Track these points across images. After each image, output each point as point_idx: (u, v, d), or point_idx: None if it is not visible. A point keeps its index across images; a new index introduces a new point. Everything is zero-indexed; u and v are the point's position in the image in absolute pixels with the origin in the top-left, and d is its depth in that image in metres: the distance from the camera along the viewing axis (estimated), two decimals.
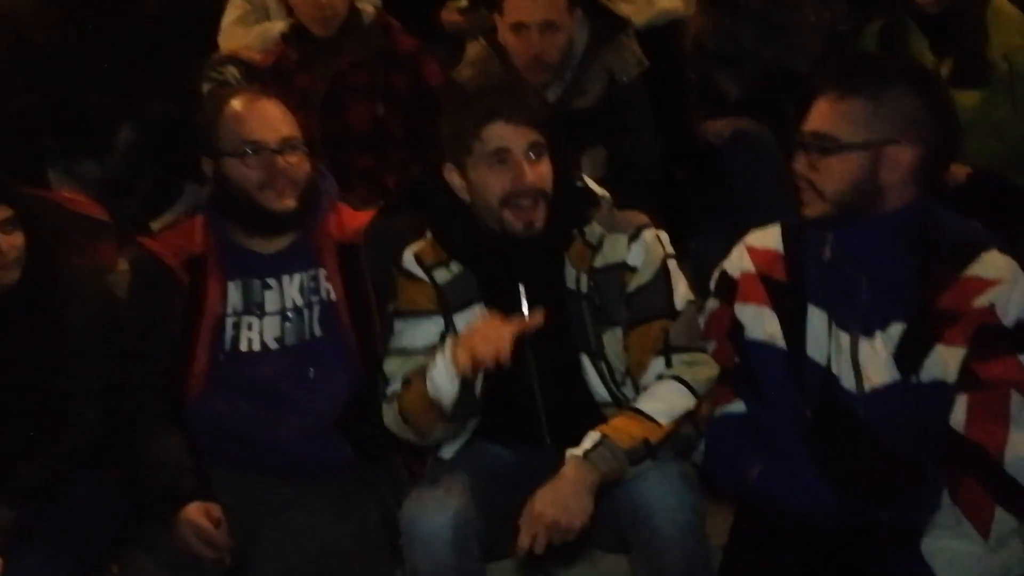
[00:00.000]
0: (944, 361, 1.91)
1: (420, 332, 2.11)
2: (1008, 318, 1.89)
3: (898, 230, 1.96)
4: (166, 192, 3.62)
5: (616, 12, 3.04)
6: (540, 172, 2.02)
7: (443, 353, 1.96)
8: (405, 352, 2.10)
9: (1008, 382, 1.87)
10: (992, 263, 1.92)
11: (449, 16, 3.35)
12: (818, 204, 1.97)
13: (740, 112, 2.98)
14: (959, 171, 2.74)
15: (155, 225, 3.47)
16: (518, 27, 2.80)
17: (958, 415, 1.89)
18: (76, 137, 3.67)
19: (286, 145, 2.20)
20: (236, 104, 2.23)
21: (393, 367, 2.11)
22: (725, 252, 2.17)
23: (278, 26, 3.32)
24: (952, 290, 1.92)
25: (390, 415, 2.08)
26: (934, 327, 1.92)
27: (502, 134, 2.01)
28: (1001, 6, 2.80)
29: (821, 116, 1.96)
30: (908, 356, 1.93)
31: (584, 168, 2.76)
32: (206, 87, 3.40)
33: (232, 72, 3.39)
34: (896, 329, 1.94)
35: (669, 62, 3.02)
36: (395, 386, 2.08)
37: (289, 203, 2.19)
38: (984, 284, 1.91)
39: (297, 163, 2.21)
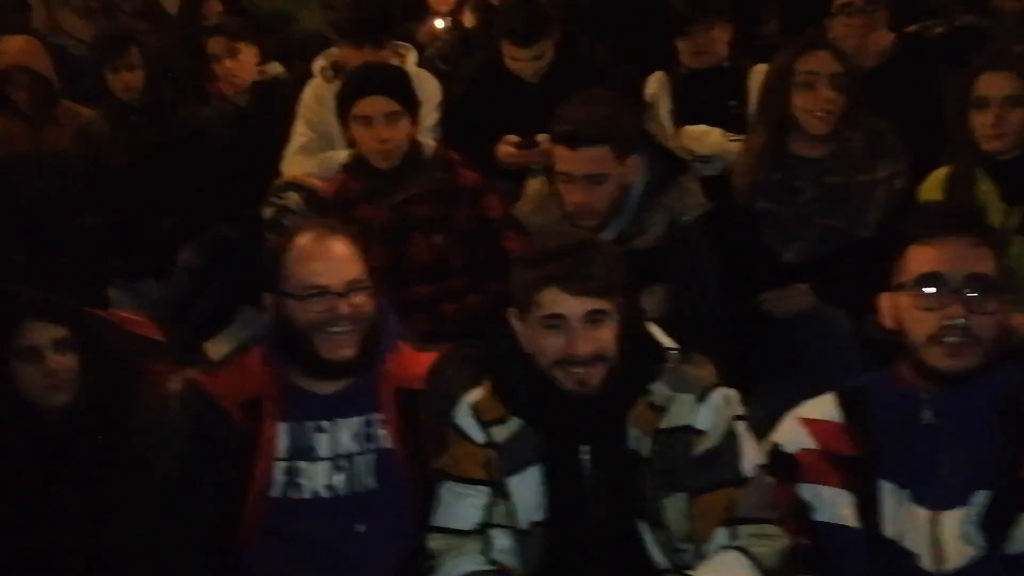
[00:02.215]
0: None
1: (466, 509, 2.04)
2: None
3: (994, 392, 1.88)
4: (222, 314, 3.65)
5: (676, 154, 3.04)
6: (597, 339, 1.96)
7: None
8: (450, 532, 2.03)
9: None
10: None
11: (504, 152, 3.38)
12: (973, 354, 1.87)
13: (797, 277, 2.90)
14: None
15: (211, 348, 3.49)
16: (565, 176, 2.80)
17: None
18: (138, 257, 3.73)
19: (351, 288, 2.13)
20: (303, 242, 2.16)
21: (438, 545, 2.04)
22: (793, 398, 2.09)
23: (341, 155, 3.38)
24: None
25: None
26: (1021, 495, 1.82)
27: (558, 301, 1.96)
28: None
29: (973, 256, 1.87)
30: (996, 526, 1.83)
31: (645, 308, 2.72)
32: (268, 212, 3.44)
33: (294, 198, 3.45)
34: (981, 498, 1.85)
35: (731, 206, 2.99)
36: None
37: (347, 352, 2.13)
38: None
39: (362, 304, 2.15)
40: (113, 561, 2.17)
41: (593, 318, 1.96)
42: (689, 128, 3.43)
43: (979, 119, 2.74)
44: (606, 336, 1.98)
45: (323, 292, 2.12)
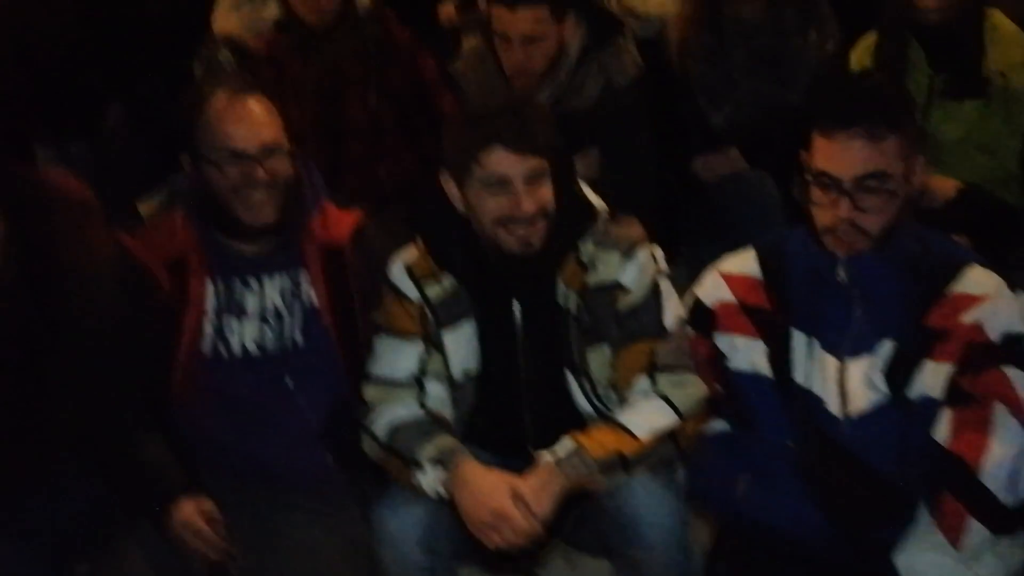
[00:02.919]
0: (934, 377, 1.92)
1: (400, 360, 2.09)
2: (994, 333, 1.91)
3: (898, 251, 1.96)
4: (154, 174, 3.60)
5: (613, 14, 3.02)
6: (539, 198, 1.99)
7: (436, 478, 1.95)
8: (386, 382, 2.09)
9: (993, 395, 1.88)
10: (977, 279, 1.94)
11: (445, 12, 3.34)
12: (862, 242, 1.95)
13: (726, 141, 2.94)
14: (948, 186, 2.75)
15: (143, 208, 3.45)
16: (502, 37, 2.79)
17: (942, 429, 1.91)
18: (65, 116, 3.64)
19: (267, 152, 2.10)
20: (217, 104, 2.11)
21: (372, 395, 2.10)
22: (719, 259, 2.17)
23: (272, 11, 3.30)
24: (940, 307, 1.94)
25: (370, 450, 2.08)
26: (924, 344, 1.93)
27: (501, 161, 1.96)
28: (999, 22, 2.79)
29: (864, 158, 1.91)
30: (898, 373, 1.94)
31: (577, 170, 2.75)
32: (198, 69, 3.37)
33: (225, 55, 3.37)
34: (886, 347, 1.96)
35: (664, 70, 3.00)
36: (377, 428, 2.06)
37: (266, 216, 2.12)
38: (971, 301, 1.93)
39: (279, 169, 2.11)
40: (46, 419, 2.20)
41: (534, 177, 1.98)
42: None
43: None
44: (547, 193, 2.00)
45: (239, 156, 2.09)
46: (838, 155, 1.91)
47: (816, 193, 1.94)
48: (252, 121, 2.10)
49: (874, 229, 1.94)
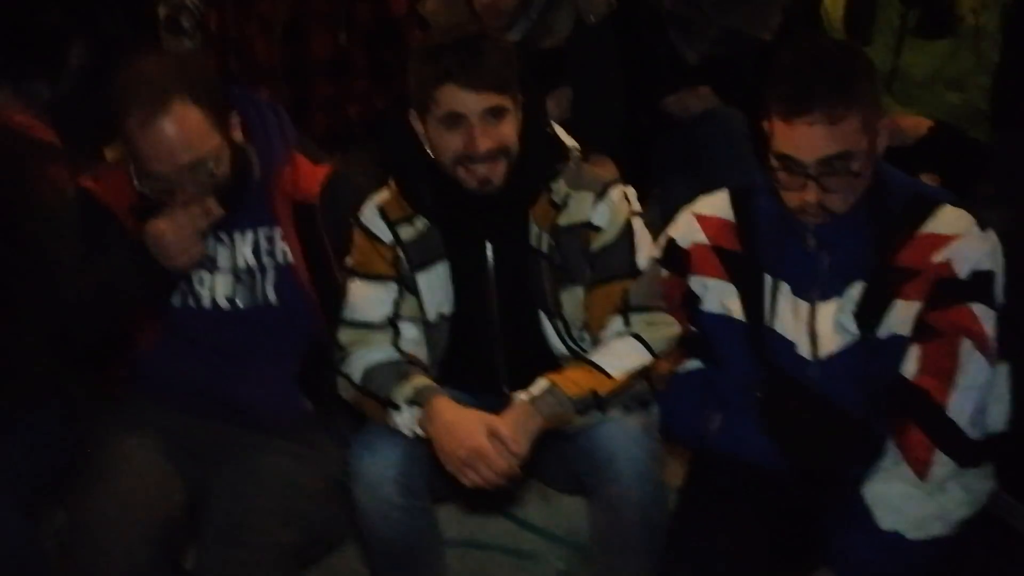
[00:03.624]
0: (902, 316, 1.94)
1: (374, 303, 2.09)
2: (963, 270, 1.93)
3: (867, 203, 1.96)
4: None
5: None
6: (497, 135, 1.96)
7: (412, 417, 1.96)
8: (360, 325, 2.09)
9: (959, 330, 1.90)
10: (946, 219, 1.95)
11: None
12: (826, 219, 1.95)
13: (699, 78, 2.92)
14: (920, 124, 2.76)
15: (109, 152, 3.40)
16: None
17: (909, 364, 1.93)
18: (25, 55, 3.56)
19: (189, 169, 2.00)
20: (133, 125, 1.97)
21: (347, 338, 2.09)
22: (690, 199, 2.17)
23: None
24: (909, 247, 1.95)
25: (346, 392, 2.08)
26: (893, 283, 1.95)
27: (456, 98, 1.94)
28: None
29: (824, 140, 1.88)
30: (868, 313, 1.96)
31: (549, 109, 2.73)
32: (163, 10, 3.30)
33: None
34: (856, 289, 1.97)
35: (635, 7, 2.96)
36: (353, 371, 2.06)
37: (211, 207, 2.05)
38: (940, 240, 1.94)
39: (206, 179, 2.02)
40: (14, 354, 2.17)
41: (492, 114, 1.96)
42: None
43: None
44: (506, 131, 1.98)
45: (161, 179, 2.02)
46: (799, 140, 1.88)
47: (781, 176, 1.93)
48: (167, 145, 1.97)
49: (841, 208, 1.93)
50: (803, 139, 1.88)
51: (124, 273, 2.06)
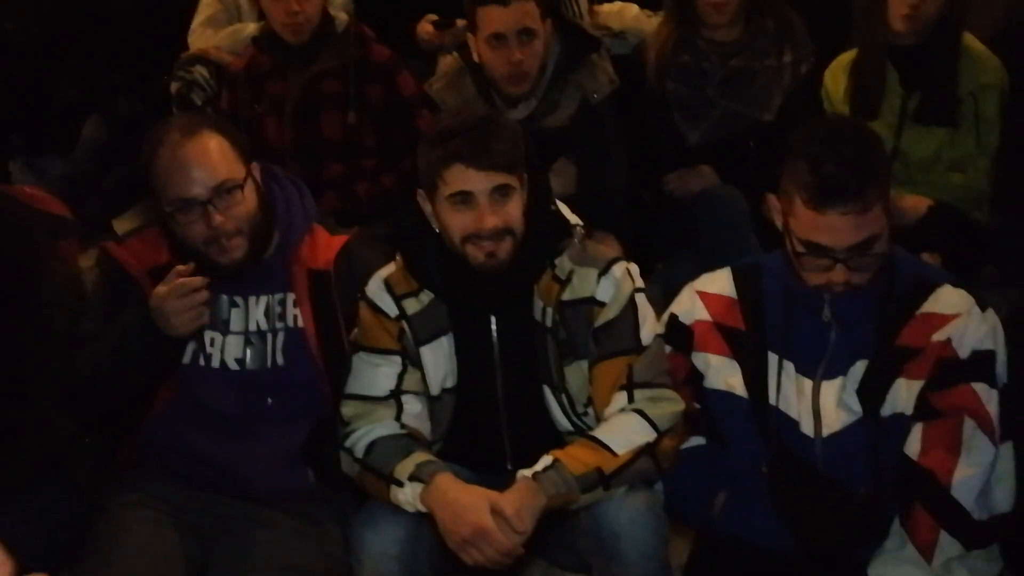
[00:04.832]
0: (905, 394, 1.95)
1: (378, 377, 2.09)
2: (963, 350, 1.94)
3: (875, 280, 1.98)
4: (130, 191, 3.59)
5: (588, 32, 3.05)
6: (504, 214, 2.00)
7: (415, 494, 1.95)
8: (363, 399, 2.09)
9: (962, 410, 1.91)
10: (947, 299, 1.97)
11: (423, 30, 3.36)
12: (856, 294, 1.96)
13: (701, 159, 2.96)
14: (920, 203, 2.78)
15: (117, 225, 3.44)
16: (495, 38, 2.80)
17: (913, 444, 1.93)
18: (40, 132, 3.62)
19: (219, 192, 2.06)
20: (163, 155, 2.06)
21: (351, 412, 2.09)
22: (692, 276, 2.19)
23: (249, 28, 3.31)
24: (911, 327, 1.96)
25: (349, 468, 2.07)
26: (896, 363, 1.96)
27: (463, 177, 1.98)
28: (970, 43, 2.82)
29: (855, 229, 1.89)
30: (871, 391, 1.96)
31: (553, 185, 2.76)
32: (174, 86, 3.37)
33: (201, 72, 3.37)
34: (860, 367, 1.98)
35: (640, 87, 3.02)
36: (355, 446, 2.05)
37: (237, 255, 2.10)
38: (941, 320, 1.95)
39: (237, 208, 2.07)
40: (22, 426, 2.17)
41: (499, 193, 2.00)
42: (606, 5, 3.43)
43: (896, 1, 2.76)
44: (513, 210, 2.02)
45: (190, 203, 2.06)
46: (829, 229, 1.90)
47: (807, 260, 1.95)
48: (198, 164, 2.05)
49: (864, 283, 1.95)
50: (834, 229, 1.90)
51: (134, 339, 2.08)
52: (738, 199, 2.84)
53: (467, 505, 1.91)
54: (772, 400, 2.01)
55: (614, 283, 2.07)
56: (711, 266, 2.18)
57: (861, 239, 1.91)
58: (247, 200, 2.10)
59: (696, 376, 2.09)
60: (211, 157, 2.07)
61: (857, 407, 1.97)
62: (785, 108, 2.94)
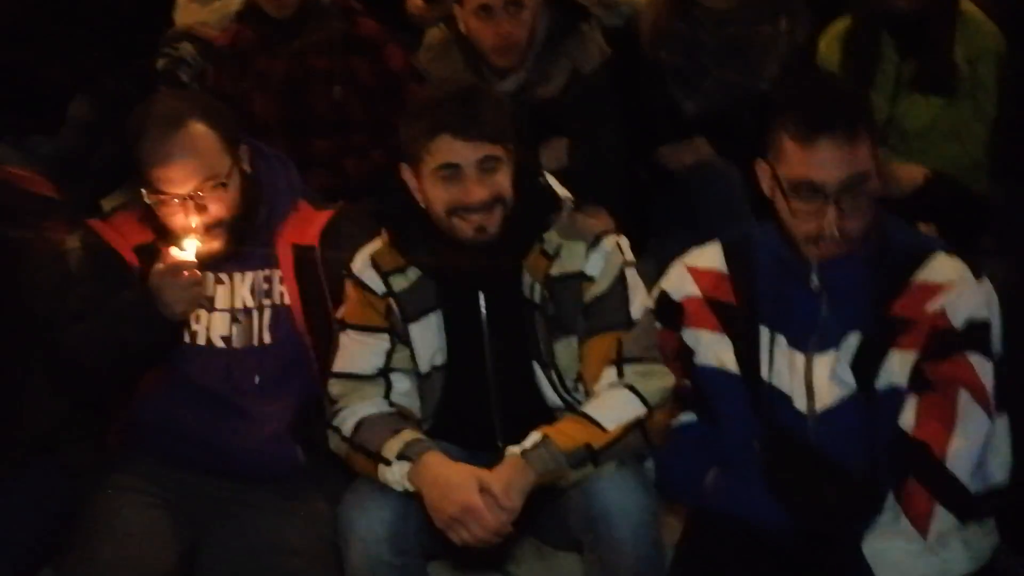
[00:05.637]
0: (899, 366, 1.93)
1: (367, 355, 2.07)
2: (957, 320, 1.91)
3: (866, 246, 1.95)
4: (118, 170, 3.56)
5: (577, 1, 3.01)
6: (491, 185, 1.98)
7: (403, 473, 1.93)
8: (351, 377, 2.07)
9: (957, 381, 1.89)
10: (941, 267, 1.94)
11: (413, 4, 3.31)
12: (844, 248, 1.92)
13: (696, 130, 2.93)
14: (916, 173, 2.75)
15: (106, 204, 3.41)
16: (483, 9, 2.76)
17: (907, 416, 1.91)
18: (26, 111, 3.59)
19: (201, 189, 2.06)
20: (147, 147, 2.06)
21: (338, 391, 2.08)
22: (686, 250, 2.16)
23: (235, 3, 3.26)
24: (905, 297, 1.94)
25: (337, 447, 2.06)
26: (889, 334, 1.93)
27: (450, 149, 1.96)
28: (968, 9, 2.78)
29: (844, 161, 1.87)
30: (865, 365, 1.94)
31: (544, 160, 2.73)
32: (161, 63, 3.34)
33: (187, 49, 3.34)
34: (853, 340, 1.96)
35: (633, 58, 2.98)
36: (344, 425, 2.04)
37: (216, 246, 2.10)
38: (935, 289, 1.93)
39: (217, 203, 2.07)
40: (11, 414, 2.16)
41: (486, 165, 1.97)
42: None
43: None
44: (501, 181, 1.99)
45: (171, 198, 2.06)
46: (820, 161, 1.87)
47: (795, 204, 1.91)
48: (180, 161, 2.04)
49: (857, 232, 1.92)
50: (824, 162, 1.87)
51: (129, 318, 2.07)
52: (732, 172, 2.81)
53: (455, 483, 1.89)
54: (764, 376, 1.99)
55: (603, 256, 2.04)
56: (705, 240, 2.15)
57: (852, 173, 1.87)
58: (230, 193, 2.09)
59: (686, 352, 2.06)
60: (195, 152, 2.05)
61: (851, 381, 1.94)
62: (780, 78, 2.90)
